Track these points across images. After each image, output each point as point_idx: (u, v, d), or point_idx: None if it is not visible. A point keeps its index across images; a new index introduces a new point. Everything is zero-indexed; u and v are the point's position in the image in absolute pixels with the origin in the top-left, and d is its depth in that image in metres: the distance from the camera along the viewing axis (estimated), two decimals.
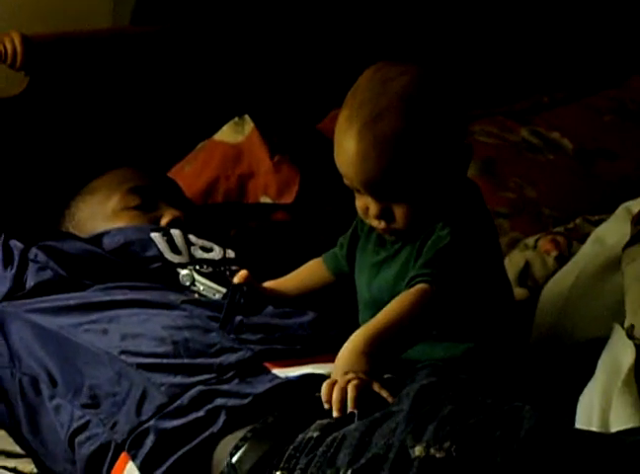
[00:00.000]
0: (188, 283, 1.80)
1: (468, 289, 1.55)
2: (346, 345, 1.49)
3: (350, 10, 2.57)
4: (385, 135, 1.51)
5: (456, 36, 2.67)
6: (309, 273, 1.80)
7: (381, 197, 1.56)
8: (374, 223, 1.60)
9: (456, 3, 2.69)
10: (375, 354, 1.47)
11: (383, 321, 1.50)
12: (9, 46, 2.12)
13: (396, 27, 2.60)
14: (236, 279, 1.74)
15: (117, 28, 2.37)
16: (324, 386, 1.46)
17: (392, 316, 1.50)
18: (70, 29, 2.29)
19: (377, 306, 1.57)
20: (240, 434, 1.48)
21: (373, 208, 1.57)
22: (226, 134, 2.34)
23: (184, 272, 1.81)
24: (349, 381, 1.44)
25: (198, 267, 1.82)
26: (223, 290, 1.75)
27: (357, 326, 1.64)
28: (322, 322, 1.73)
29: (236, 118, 2.35)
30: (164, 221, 2.02)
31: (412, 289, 1.52)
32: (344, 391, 1.43)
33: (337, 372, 1.47)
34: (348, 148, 1.54)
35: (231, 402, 1.53)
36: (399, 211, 1.57)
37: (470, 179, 1.65)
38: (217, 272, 1.84)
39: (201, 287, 1.78)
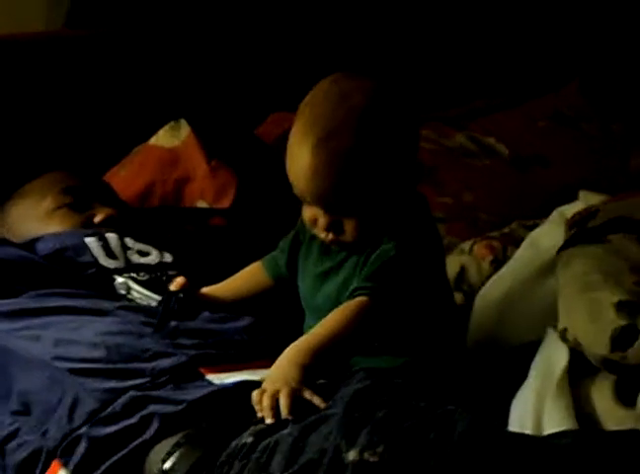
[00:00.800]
0: (123, 292, 1.79)
1: (409, 304, 1.55)
2: (280, 356, 1.50)
3: (289, 13, 2.57)
4: (339, 153, 1.51)
5: (396, 40, 2.68)
6: (248, 277, 1.79)
7: (332, 211, 1.56)
8: (322, 235, 1.59)
9: (395, 9, 2.70)
10: (309, 365, 1.48)
11: (319, 334, 1.51)
12: None
13: (333, 30, 2.60)
14: (173, 287, 1.74)
15: (50, 31, 2.35)
16: (254, 394, 1.46)
17: (328, 329, 1.51)
18: (4, 31, 2.26)
19: (322, 314, 1.57)
20: (173, 440, 1.47)
21: (322, 220, 1.57)
22: (162, 138, 2.33)
23: (120, 280, 1.79)
24: (278, 390, 1.44)
25: (134, 275, 1.80)
26: (159, 298, 1.74)
27: (293, 331, 1.64)
28: (258, 327, 1.73)
29: (172, 123, 2.33)
30: (97, 219, 2.00)
31: (351, 302, 1.53)
32: (274, 398, 1.44)
33: (267, 382, 1.47)
34: (300, 162, 1.53)
35: (165, 409, 1.52)
36: (349, 225, 1.57)
37: (417, 190, 1.66)
38: (153, 279, 1.83)
39: (137, 295, 1.77)
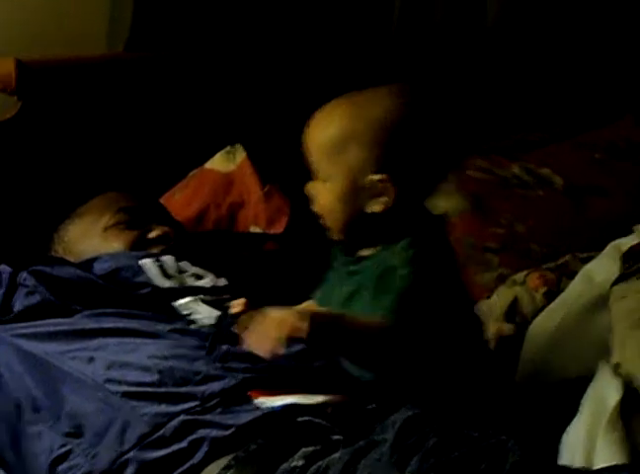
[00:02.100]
0: (186, 312, 1.80)
1: (428, 332, 1.55)
2: (308, 306, 1.57)
3: (346, 40, 2.58)
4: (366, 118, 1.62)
5: (453, 71, 2.68)
6: None
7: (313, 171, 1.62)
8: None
9: (445, 39, 2.71)
10: (321, 330, 1.50)
11: (350, 317, 1.54)
12: (2, 71, 2.12)
13: (388, 59, 2.61)
14: (234, 309, 1.74)
15: (110, 54, 2.37)
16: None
17: (359, 320, 1.53)
18: (65, 54, 2.29)
19: None
20: (222, 462, 1.48)
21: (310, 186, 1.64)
22: (218, 163, 2.35)
23: (182, 301, 1.81)
24: (284, 322, 1.49)
25: (201, 296, 1.81)
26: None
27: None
28: (308, 354, 1.73)
29: (228, 147, 2.35)
30: (152, 234, 2.02)
31: (379, 320, 1.53)
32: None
33: (282, 313, 1.51)
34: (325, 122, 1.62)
35: (213, 433, 1.52)
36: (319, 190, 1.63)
37: (437, 214, 1.65)
38: (217, 301, 1.84)
39: (199, 316, 1.78)
